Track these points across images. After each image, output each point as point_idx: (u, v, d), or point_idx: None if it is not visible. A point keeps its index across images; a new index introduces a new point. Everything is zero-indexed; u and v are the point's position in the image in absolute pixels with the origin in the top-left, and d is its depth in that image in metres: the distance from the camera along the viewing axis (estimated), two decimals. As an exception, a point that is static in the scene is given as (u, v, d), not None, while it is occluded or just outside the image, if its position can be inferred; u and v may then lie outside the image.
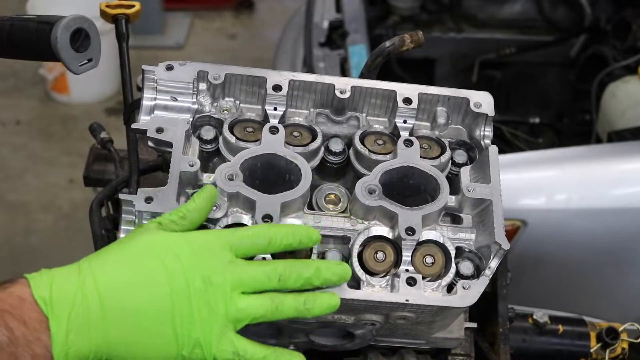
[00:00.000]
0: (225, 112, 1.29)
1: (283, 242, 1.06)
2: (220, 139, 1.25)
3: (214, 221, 1.15)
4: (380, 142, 1.28)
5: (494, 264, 1.16)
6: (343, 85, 1.28)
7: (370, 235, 1.19)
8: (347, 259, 1.18)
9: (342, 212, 1.25)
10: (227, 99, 1.30)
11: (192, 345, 0.99)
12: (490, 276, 1.16)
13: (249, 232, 1.06)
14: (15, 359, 0.90)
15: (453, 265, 1.18)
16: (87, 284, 0.95)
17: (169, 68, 1.25)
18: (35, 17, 1.17)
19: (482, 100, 1.30)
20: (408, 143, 1.25)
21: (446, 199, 1.20)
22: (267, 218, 1.13)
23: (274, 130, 1.23)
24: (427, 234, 1.19)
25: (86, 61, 1.16)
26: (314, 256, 1.16)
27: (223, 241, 1.04)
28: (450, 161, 1.29)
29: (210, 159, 1.27)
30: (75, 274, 0.97)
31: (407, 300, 1.12)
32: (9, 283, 0.95)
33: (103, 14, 1.46)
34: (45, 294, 0.94)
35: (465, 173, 1.26)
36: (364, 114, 1.32)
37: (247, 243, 1.04)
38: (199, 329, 0.99)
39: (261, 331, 1.31)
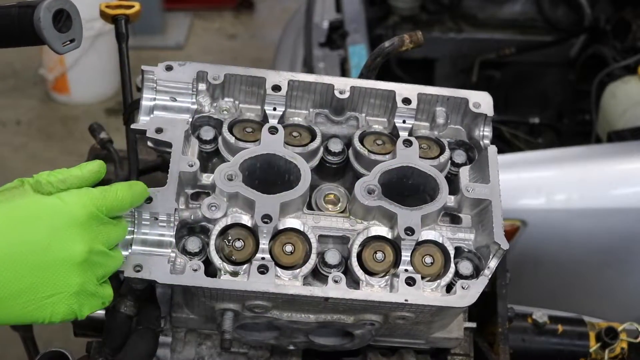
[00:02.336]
0: (225, 112, 1.29)
1: (134, 203, 1.08)
2: (220, 139, 1.25)
3: (213, 221, 1.16)
4: (379, 142, 1.29)
5: (493, 264, 1.17)
6: (342, 85, 1.28)
7: (369, 235, 1.19)
8: (346, 259, 1.19)
9: (342, 212, 1.25)
10: (226, 99, 1.30)
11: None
12: (490, 276, 1.17)
13: (114, 196, 1.04)
14: None
15: (452, 265, 1.18)
16: None
17: (169, 68, 1.25)
18: (17, 3, 1.19)
19: (481, 101, 1.30)
20: (407, 143, 1.26)
21: (445, 199, 1.20)
22: (267, 218, 1.13)
23: (273, 130, 1.23)
24: (427, 234, 1.19)
25: (69, 42, 1.18)
26: (313, 256, 1.16)
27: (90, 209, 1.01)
28: (450, 161, 1.29)
29: (209, 159, 1.27)
30: None
31: (406, 300, 1.13)
32: None
33: (103, 15, 1.46)
34: None
35: (464, 173, 1.26)
36: (363, 114, 1.32)
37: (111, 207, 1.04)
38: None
39: (261, 331, 1.31)
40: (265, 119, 1.28)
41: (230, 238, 1.15)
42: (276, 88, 1.27)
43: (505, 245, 1.15)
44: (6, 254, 0.92)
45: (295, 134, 1.27)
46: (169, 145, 1.19)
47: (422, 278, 1.15)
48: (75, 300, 0.99)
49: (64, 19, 1.17)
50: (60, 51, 1.18)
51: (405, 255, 1.16)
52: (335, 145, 1.28)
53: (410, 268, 1.16)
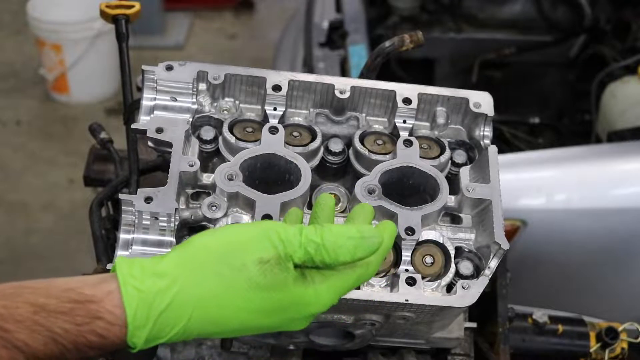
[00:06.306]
0: (225, 112, 1.29)
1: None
2: (220, 139, 1.25)
3: (214, 221, 1.16)
4: (379, 142, 1.29)
5: (493, 264, 1.17)
6: (342, 85, 1.28)
7: (369, 235, 1.19)
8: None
9: (342, 212, 1.25)
10: (226, 99, 1.30)
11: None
12: (490, 276, 1.16)
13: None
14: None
15: (452, 265, 1.18)
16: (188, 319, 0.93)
17: (169, 68, 1.25)
18: None
19: (482, 100, 1.30)
20: (407, 143, 1.26)
21: (446, 199, 1.20)
22: (267, 218, 1.13)
23: (273, 130, 1.23)
24: (427, 234, 1.19)
25: None
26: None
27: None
28: (450, 161, 1.29)
29: (210, 159, 1.27)
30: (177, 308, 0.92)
31: (406, 300, 1.13)
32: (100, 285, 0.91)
33: (103, 14, 1.46)
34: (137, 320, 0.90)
35: (464, 173, 1.26)
36: (364, 114, 1.32)
37: None
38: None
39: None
40: (265, 118, 1.28)
41: (230, 238, 1.15)
42: (276, 88, 1.27)
43: (505, 245, 1.15)
44: (242, 323, 0.95)
45: (295, 133, 1.27)
46: (170, 145, 1.19)
47: (423, 278, 1.15)
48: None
49: None
50: None
51: (406, 255, 1.16)
52: (336, 145, 1.28)
53: (410, 268, 1.16)
